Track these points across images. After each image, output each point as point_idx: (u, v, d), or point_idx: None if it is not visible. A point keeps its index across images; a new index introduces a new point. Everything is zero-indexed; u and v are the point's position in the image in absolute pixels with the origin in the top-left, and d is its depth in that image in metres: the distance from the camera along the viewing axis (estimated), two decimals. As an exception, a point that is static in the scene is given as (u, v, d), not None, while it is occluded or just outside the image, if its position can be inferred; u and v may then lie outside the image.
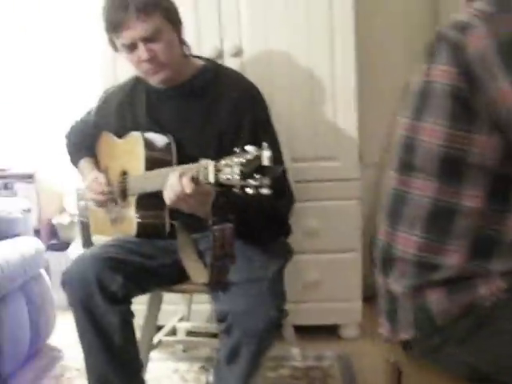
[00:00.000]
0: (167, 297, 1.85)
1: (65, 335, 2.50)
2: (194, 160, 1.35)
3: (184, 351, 2.32)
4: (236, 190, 1.15)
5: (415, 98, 1.04)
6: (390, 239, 1.08)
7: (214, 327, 2.18)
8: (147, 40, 1.54)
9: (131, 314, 1.58)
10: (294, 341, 2.10)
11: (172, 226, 1.65)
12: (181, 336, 2.23)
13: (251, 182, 1.11)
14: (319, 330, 2.37)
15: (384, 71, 2.67)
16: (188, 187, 1.30)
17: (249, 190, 1.12)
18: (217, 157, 1.27)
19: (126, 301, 1.56)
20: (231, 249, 1.35)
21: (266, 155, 1.11)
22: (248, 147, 1.14)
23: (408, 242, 1.04)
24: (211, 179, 1.21)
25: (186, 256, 1.62)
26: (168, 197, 1.37)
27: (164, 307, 1.87)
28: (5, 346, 2.04)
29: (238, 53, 2.14)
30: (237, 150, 1.16)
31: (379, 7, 2.63)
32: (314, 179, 2.11)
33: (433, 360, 1.06)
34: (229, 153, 1.18)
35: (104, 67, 2.25)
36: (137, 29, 1.52)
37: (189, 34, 1.73)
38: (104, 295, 1.48)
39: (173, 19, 1.60)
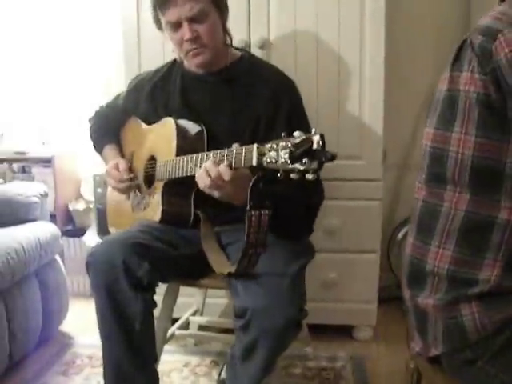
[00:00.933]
0: (182, 289, 1.83)
1: (77, 322, 2.51)
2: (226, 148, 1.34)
3: (195, 345, 2.31)
4: (278, 175, 1.13)
5: (442, 108, 1.00)
6: (420, 254, 1.05)
7: (227, 322, 2.17)
8: (192, 20, 1.55)
9: (154, 303, 1.57)
10: (307, 340, 2.08)
11: (195, 216, 1.63)
12: (193, 330, 2.22)
13: (298, 165, 1.08)
14: (333, 330, 2.35)
15: (411, 73, 2.64)
16: (226, 174, 1.29)
17: (293, 176, 1.10)
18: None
19: (150, 289, 1.54)
20: (265, 237, 1.31)
21: (316, 139, 1.08)
22: (295, 133, 1.12)
23: (441, 257, 1.00)
24: (254, 162, 1.19)
25: (208, 247, 1.59)
26: (203, 182, 1.35)
27: (179, 299, 1.84)
28: (17, 331, 2.04)
29: (264, 45, 2.10)
30: (283, 134, 1.14)
31: (410, 8, 2.59)
32: (336, 178, 2.06)
33: (462, 375, 1.02)
34: (267, 139, 1.17)
35: (128, 54, 2.23)
36: (184, 7, 1.53)
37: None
38: (129, 281, 1.45)
39: (220, 5, 1.61)
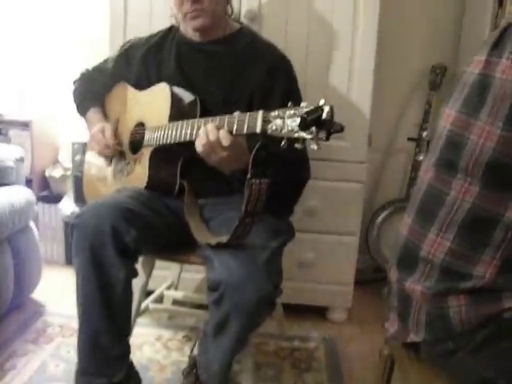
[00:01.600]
0: (158, 262, 1.79)
1: (49, 290, 2.47)
2: None
3: (169, 319, 2.29)
4: (282, 143, 1.12)
5: (469, 91, 0.95)
6: (416, 238, 1.02)
7: (201, 298, 2.15)
8: None
9: (135, 272, 1.54)
10: (281, 319, 2.07)
11: (180, 185, 1.60)
12: (168, 304, 2.19)
13: (305, 134, 1.07)
14: (307, 311, 2.35)
15: (401, 58, 2.61)
16: (226, 139, 1.27)
17: (297, 145, 1.10)
18: None
19: (135, 256, 1.51)
20: (262, 205, 1.28)
21: (327, 109, 1.06)
22: (303, 103, 1.11)
23: (438, 246, 0.97)
24: (258, 129, 1.17)
25: (191, 218, 1.57)
26: (201, 145, 1.32)
27: (154, 272, 1.81)
28: (-13, 296, 2.00)
29: (254, 17, 2.05)
30: (290, 103, 1.13)
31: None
32: (321, 158, 2.03)
33: (441, 364, 1.01)
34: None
35: (114, 18, 2.16)
36: None
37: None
38: (116, 246, 1.42)
39: None
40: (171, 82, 1.63)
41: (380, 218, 2.63)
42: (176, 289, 2.22)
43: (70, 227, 1.48)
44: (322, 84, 2.09)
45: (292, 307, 2.21)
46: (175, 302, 2.22)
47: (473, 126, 0.92)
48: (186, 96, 1.61)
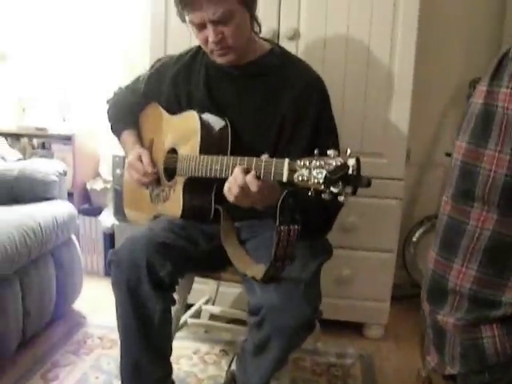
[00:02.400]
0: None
1: (90, 301, 2.53)
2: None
3: (206, 332, 2.31)
4: (309, 193, 1.12)
5: (476, 122, 0.96)
6: (443, 270, 1.02)
7: (238, 313, 2.18)
8: (217, 22, 1.48)
9: (173, 301, 1.57)
10: (318, 335, 2.07)
11: (216, 210, 1.61)
12: (205, 319, 2.22)
13: (332, 189, 1.07)
14: (343, 327, 2.35)
15: (439, 73, 2.59)
16: (254, 185, 1.28)
17: (324, 196, 1.10)
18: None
19: (171, 288, 1.54)
20: (293, 250, 1.30)
21: (352, 163, 1.07)
22: (329, 151, 1.12)
23: (464, 276, 0.98)
24: (284, 178, 1.18)
25: (228, 243, 1.58)
26: (231, 193, 1.33)
27: (192, 286, 1.85)
28: (31, 308, 2.06)
29: (294, 36, 2.07)
30: (316, 151, 1.13)
31: (445, 7, 2.54)
32: (358, 174, 2.04)
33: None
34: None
35: (155, 36, 2.20)
36: (208, 11, 1.46)
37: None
38: (152, 280, 1.45)
39: (247, 2, 1.52)
40: (201, 106, 1.63)
41: (417, 234, 2.61)
42: (213, 303, 2.24)
43: (108, 262, 1.53)
44: (360, 102, 2.10)
45: (328, 323, 2.21)
46: (212, 317, 2.24)
47: (483, 155, 0.93)
48: (217, 122, 1.59)
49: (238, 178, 1.30)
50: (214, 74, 1.66)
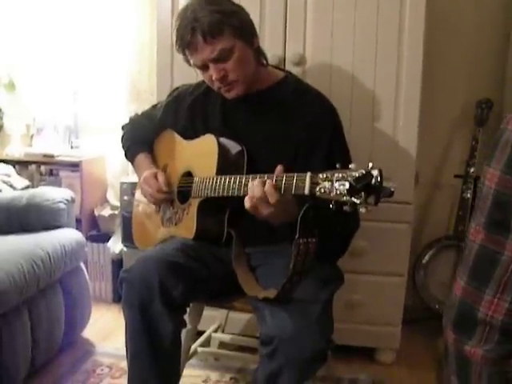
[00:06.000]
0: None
1: (99, 328, 2.52)
2: (266, 170, 1.34)
3: (216, 359, 2.29)
4: (331, 206, 1.13)
5: (510, 151, 0.95)
6: (472, 300, 1.00)
7: (248, 340, 2.17)
8: (217, 60, 1.52)
9: (184, 324, 1.56)
10: (329, 361, 2.05)
11: (228, 234, 1.61)
12: (215, 347, 2.20)
13: (354, 199, 1.08)
14: (355, 352, 2.32)
15: (446, 94, 2.60)
16: (273, 196, 1.28)
17: (346, 208, 1.10)
18: (289, 169, 1.27)
19: (183, 308, 1.54)
20: (310, 264, 1.29)
21: (375, 174, 1.07)
22: (351, 165, 1.12)
23: (496, 307, 0.95)
24: (306, 191, 1.18)
25: (239, 268, 1.58)
26: (250, 202, 1.33)
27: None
28: (40, 337, 2.05)
29: (300, 61, 2.08)
30: (338, 165, 1.15)
31: (449, 28, 2.55)
32: (366, 199, 2.03)
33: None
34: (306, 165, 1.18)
35: (161, 61, 2.22)
36: (205, 52, 1.51)
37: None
38: (164, 301, 1.44)
39: (244, 34, 1.55)
40: (217, 135, 1.64)
41: (427, 257, 2.59)
42: (223, 330, 2.22)
43: (119, 281, 1.52)
44: (367, 126, 2.10)
45: (340, 348, 2.18)
46: (222, 345, 2.22)
47: None
48: (233, 146, 1.62)
49: (256, 189, 1.31)
50: (229, 103, 1.67)
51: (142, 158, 1.88)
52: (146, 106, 2.07)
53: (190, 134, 1.75)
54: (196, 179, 1.64)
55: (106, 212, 2.86)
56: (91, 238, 2.83)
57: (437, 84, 2.56)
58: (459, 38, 2.57)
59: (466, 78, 2.60)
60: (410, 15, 2.01)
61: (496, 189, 0.97)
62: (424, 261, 2.60)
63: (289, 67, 2.05)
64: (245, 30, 1.56)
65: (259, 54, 1.64)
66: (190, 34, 1.50)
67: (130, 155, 1.93)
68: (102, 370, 2.18)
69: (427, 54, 2.11)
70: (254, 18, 1.99)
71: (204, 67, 1.56)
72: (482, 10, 2.54)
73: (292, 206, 1.34)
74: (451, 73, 2.60)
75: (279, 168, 1.32)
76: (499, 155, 0.98)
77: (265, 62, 1.67)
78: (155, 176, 1.74)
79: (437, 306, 2.55)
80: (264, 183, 1.30)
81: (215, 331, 2.20)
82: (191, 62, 1.59)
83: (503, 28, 2.52)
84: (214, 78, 1.54)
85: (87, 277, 2.44)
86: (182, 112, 1.78)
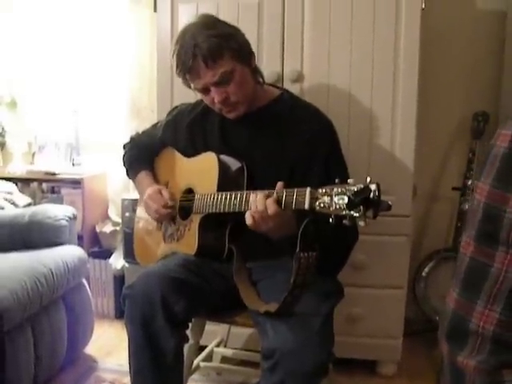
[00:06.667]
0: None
1: (101, 344, 2.52)
2: (264, 186, 1.37)
3: (218, 374, 2.30)
4: (330, 220, 1.16)
5: (500, 166, 0.97)
6: (464, 311, 1.02)
7: (250, 355, 2.18)
8: (218, 84, 1.55)
9: (186, 338, 1.58)
10: (330, 374, 2.05)
11: (229, 250, 1.63)
12: (217, 361, 2.21)
13: (353, 213, 1.10)
14: (356, 365, 2.32)
15: (442, 107, 2.63)
16: (272, 208, 1.31)
17: (345, 221, 1.13)
18: (288, 185, 1.30)
19: (185, 324, 1.56)
20: (311, 278, 1.31)
21: (373, 188, 1.10)
22: (350, 180, 1.15)
23: (487, 318, 0.97)
24: (306, 206, 1.21)
25: (240, 282, 1.59)
26: (251, 216, 1.37)
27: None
28: (42, 354, 2.06)
29: (298, 78, 2.11)
30: (336, 180, 1.18)
31: (445, 42, 2.60)
32: (365, 212, 2.05)
33: None
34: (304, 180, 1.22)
35: (161, 78, 2.25)
36: (206, 76, 1.55)
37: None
38: (166, 316, 1.46)
39: (243, 56, 1.58)
40: (217, 153, 1.66)
41: (427, 269, 2.61)
42: (225, 345, 2.23)
43: (122, 297, 1.54)
44: (365, 141, 2.13)
45: (341, 361, 2.19)
46: (224, 359, 2.23)
47: (508, 199, 0.93)
48: (233, 163, 1.64)
49: (259, 202, 1.34)
50: (227, 121, 1.70)
51: (143, 175, 1.90)
52: (146, 122, 2.10)
53: (190, 151, 1.78)
54: (197, 196, 1.67)
55: (108, 228, 2.88)
56: (93, 255, 2.85)
57: (433, 97, 2.59)
58: (454, 52, 2.61)
59: (462, 91, 2.63)
60: (406, 33, 2.04)
61: (486, 202, 0.99)
62: (424, 273, 2.61)
63: (287, 84, 2.09)
64: (243, 52, 1.59)
65: (256, 72, 1.67)
66: (192, 60, 1.53)
67: (132, 173, 1.96)
68: (105, 386, 2.20)
69: (423, 68, 2.14)
70: (252, 35, 2.06)
71: (205, 91, 1.59)
72: (477, 23, 2.58)
73: (291, 221, 1.37)
74: (447, 86, 2.63)
75: (279, 184, 1.35)
76: (488, 170, 1.00)
77: (261, 80, 1.70)
78: (160, 192, 1.76)
79: (438, 318, 2.56)
80: (266, 197, 1.33)
81: (217, 346, 2.21)
82: (192, 86, 1.62)
83: (498, 40, 2.56)
84: (216, 100, 1.58)
85: (90, 293, 2.45)
86: (182, 131, 1.81)
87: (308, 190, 1.22)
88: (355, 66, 2.09)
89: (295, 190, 1.27)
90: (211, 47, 1.51)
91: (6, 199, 2.57)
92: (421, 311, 2.64)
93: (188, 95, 1.90)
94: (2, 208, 2.50)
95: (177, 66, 1.59)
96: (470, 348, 1.00)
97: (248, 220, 1.37)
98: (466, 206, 2.54)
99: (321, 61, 2.11)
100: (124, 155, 2.00)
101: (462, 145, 2.64)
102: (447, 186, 2.65)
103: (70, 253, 2.29)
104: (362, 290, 2.21)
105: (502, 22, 2.55)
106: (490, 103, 2.59)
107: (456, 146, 2.68)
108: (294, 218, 1.37)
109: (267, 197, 1.34)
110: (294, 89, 1.99)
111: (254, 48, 1.66)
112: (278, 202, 1.31)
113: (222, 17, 1.67)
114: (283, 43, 2.12)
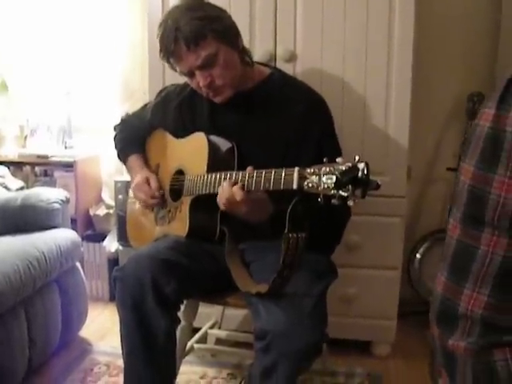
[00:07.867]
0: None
1: (96, 327, 2.52)
2: (256, 167, 1.37)
3: (213, 356, 2.30)
4: (319, 200, 1.15)
5: (483, 146, 0.95)
6: (453, 295, 1.01)
7: (244, 336, 2.18)
8: (202, 67, 1.53)
9: (178, 320, 1.58)
10: (325, 354, 2.06)
11: (221, 231, 1.62)
12: (211, 343, 2.21)
13: (342, 192, 1.10)
14: (350, 345, 2.33)
15: (437, 88, 2.61)
16: (238, 195, 1.35)
17: (334, 201, 1.12)
18: (280, 166, 1.28)
19: (176, 306, 1.56)
20: (300, 258, 1.31)
21: (362, 167, 1.09)
22: (338, 159, 1.14)
23: (475, 301, 0.96)
24: (295, 185, 1.20)
25: (232, 264, 1.59)
26: (220, 201, 1.42)
27: (198, 309, 1.84)
28: (37, 337, 2.06)
29: (291, 58, 2.08)
30: (325, 159, 1.17)
31: (439, 22, 2.56)
32: (359, 193, 2.04)
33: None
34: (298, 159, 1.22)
35: (153, 61, 2.19)
36: (189, 60, 1.53)
37: (242, 35, 1.66)
38: (157, 298, 1.46)
39: (228, 37, 1.55)
40: (206, 133, 1.66)
41: (421, 250, 2.61)
42: (220, 327, 2.24)
43: (113, 279, 1.54)
44: (359, 120, 2.11)
45: (335, 342, 2.19)
46: (219, 341, 2.24)
47: (492, 179, 0.92)
48: (223, 143, 1.63)
49: (224, 189, 1.39)
50: (217, 104, 1.67)
51: (134, 159, 1.89)
52: (139, 104, 2.07)
53: (180, 133, 1.76)
54: (187, 177, 1.66)
55: (101, 211, 2.87)
56: (87, 238, 2.83)
57: (428, 78, 2.56)
58: (449, 32, 2.58)
59: (457, 71, 2.61)
60: (400, 12, 2.02)
61: (470, 184, 0.97)
62: (418, 254, 2.62)
63: (280, 64, 2.07)
64: (228, 33, 1.56)
65: (244, 54, 1.64)
66: (173, 44, 1.51)
67: (123, 156, 1.95)
68: (100, 368, 2.20)
69: (418, 48, 2.12)
70: (244, 15, 2.04)
71: (190, 74, 1.57)
72: (472, 3, 2.55)
73: (266, 204, 1.40)
74: (442, 67, 2.61)
75: (249, 168, 1.37)
76: (473, 150, 0.98)
77: (250, 61, 1.66)
78: (147, 181, 1.76)
79: (430, 300, 2.56)
80: (233, 185, 1.37)
81: (211, 328, 2.21)
82: (177, 69, 1.60)
83: (493, 21, 2.53)
84: (201, 84, 1.56)
85: (83, 276, 2.44)
86: (170, 113, 1.79)
87: (296, 169, 1.21)
88: (349, 46, 2.07)
89: (283, 170, 1.25)
90: (193, 30, 1.49)
91: (-1, 183, 2.55)
92: (415, 292, 2.65)
93: (180, 77, 1.88)
94: (-6, 192, 2.48)
95: (160, 50, 1.58)
96: (460, 331, 0.99)
97: (220, 206, 1.42)
98: (461, 187, 2.53)
99: (314, 40, 2.08)
100: (115, 137, 1.99)
101: (457, 126, 2.62)
102: (442, 167, 2.64)
103: (62, 236, 2.27)
104: (357, 271, 2.22)
105: (498, 3, 2.51)
106: (485, 84, 2.57)
107: (451, 127, 2.66)
108: (269, 201, 1.40)
109: (233, 184, 1.37)
110: (287, 68, 1.97)
111: (246, 27, 1.64)
112: (244, 187, 1.34)
113: (214, -4, 1.64)
114: (276, 22, 2.09)
